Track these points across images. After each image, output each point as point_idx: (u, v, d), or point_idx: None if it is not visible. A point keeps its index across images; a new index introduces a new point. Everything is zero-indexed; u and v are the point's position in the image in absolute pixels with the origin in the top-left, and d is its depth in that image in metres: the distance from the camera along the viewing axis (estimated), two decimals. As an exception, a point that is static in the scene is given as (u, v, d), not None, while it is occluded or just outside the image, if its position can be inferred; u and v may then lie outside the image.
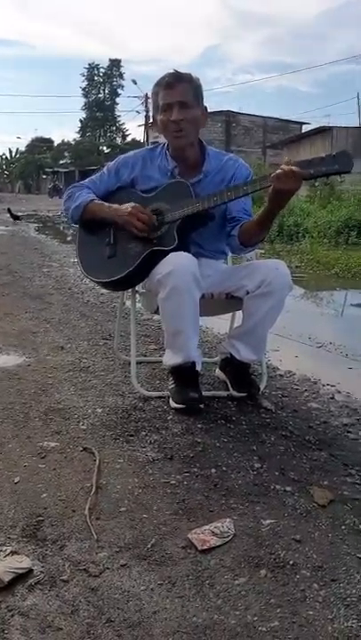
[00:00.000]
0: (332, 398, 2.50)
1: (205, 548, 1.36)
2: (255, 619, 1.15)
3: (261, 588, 1.24)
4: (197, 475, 1.72)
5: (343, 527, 1.48)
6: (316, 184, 1.98)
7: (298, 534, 1.43)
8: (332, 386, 2.67)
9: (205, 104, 2.23)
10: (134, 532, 1.42)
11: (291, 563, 1.32)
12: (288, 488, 1.66)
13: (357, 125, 28.14)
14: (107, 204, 2.26)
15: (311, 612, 1.17)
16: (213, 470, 1.75)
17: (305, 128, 30.81)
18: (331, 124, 25.08)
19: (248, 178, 2.20)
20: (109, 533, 1.42)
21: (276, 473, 1.75)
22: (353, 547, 1.39)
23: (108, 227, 2.25)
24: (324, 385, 2.68)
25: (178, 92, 2.13)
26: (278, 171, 1.87)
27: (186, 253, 2.08)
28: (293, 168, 1.86)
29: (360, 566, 1.32)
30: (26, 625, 1.12)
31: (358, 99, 46.31)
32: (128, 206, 2.16)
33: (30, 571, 1.27)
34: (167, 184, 2.21)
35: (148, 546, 1.37)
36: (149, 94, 2.33)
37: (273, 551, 1.36)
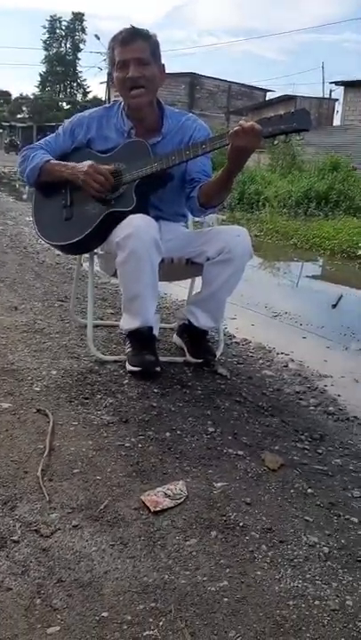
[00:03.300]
0: (286, 366, 2.55)
1: (158, 509, 1.37)
2: (205, 579, 1.17)
3: (212, 549, 1.26)
4: (152, 438, 1.72)
5: (292, 491, 1.52)
6: (275, 142, 1.96)
7: (248, 497, 1.46)
8: (286, 354, 2.72)
9: (164, 62, 2.14)
10: (87, 494, 1.42)
11: (241, 524, 1.35)
12: (240, 452, 1.69)
13: (321, 96, 28.09)
14: (63, 162, 2.18)
15: (259, 573, 1.20)
16: (168, 434, 1.76)
17: (269, 96, 30.56)
18: (295, 93, 24.97)
19: (207, 137, 2.16)
20: (62, 495, 1.41)
21: (230, 437, 1.78)
22: (301, 510, 1.44)
23: (64, 188, 2.18)
24: (278, 353, 2.73)
25: (134, 49, 2.05)
26: (237, 127, 1.84)
27: (146, 216, 2.03)
28: (252, 124, 1.83)
29: (307, 528, 1.36)
30: (-25, 585, 1.11)
31: (323, 69, 46.23)
32: (85, 165, 2.08)
33: (-20, 531, 1.25)
34: (125, 143, 2.15)
35: (101, 507, 1.37)
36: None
37: (224, 513, 1.39)
